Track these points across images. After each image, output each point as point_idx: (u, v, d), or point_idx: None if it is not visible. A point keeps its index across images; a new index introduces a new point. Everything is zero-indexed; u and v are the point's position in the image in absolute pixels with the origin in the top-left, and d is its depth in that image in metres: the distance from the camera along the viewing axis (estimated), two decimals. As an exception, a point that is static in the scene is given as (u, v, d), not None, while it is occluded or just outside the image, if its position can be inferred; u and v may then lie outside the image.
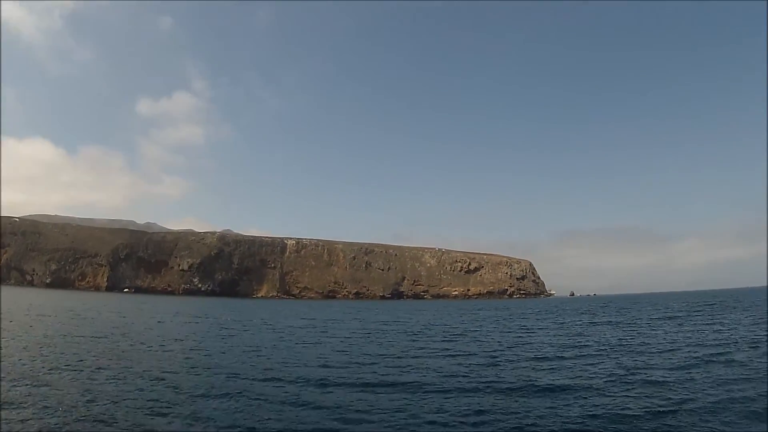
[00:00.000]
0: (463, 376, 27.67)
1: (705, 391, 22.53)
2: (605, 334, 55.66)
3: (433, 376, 27.63)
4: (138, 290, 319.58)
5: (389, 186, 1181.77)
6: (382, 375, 28.66)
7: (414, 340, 51.58)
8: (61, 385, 24.80)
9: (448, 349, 42.28)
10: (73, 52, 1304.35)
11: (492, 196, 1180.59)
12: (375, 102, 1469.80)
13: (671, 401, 20.91)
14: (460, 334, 58.96)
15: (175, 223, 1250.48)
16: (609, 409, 20.00)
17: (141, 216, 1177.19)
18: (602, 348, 41.71)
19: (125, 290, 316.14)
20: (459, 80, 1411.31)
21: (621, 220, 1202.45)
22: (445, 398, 22.28)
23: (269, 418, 19.55)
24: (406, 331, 64.91)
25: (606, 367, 30.77)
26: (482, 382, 25.68)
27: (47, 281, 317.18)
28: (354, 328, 71.20)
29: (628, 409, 20.05)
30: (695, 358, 33.56)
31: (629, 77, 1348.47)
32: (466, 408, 20.34)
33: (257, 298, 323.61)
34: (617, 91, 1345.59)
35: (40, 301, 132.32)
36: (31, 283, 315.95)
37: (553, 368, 30.85)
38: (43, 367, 30.03)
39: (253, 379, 27.49)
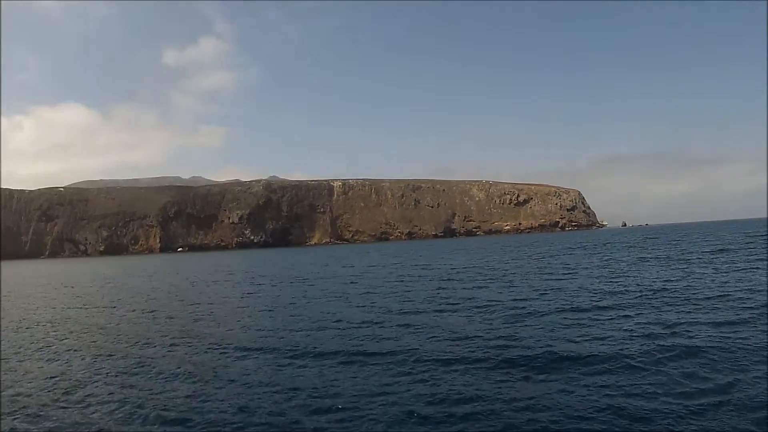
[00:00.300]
0: (476, 338, 23.06)
1: (756, 368, 17.27)
2: (650, 274, 49.82)
3: (441, 340, 22.80)
4: (192, 248, 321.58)
5: (430, 116, 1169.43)
6: (386, 338, 24.33)
7: (443, 288, 46.26)
8: (24, 369, 22.23)
9: (474, 299, 37.12)
10: (89, 9, 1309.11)
11: (533, 123, 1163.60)
12: (408, 23, 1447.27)
13: (712, 387, 15.65)
14: (494, 279, 53.41)
15: (220, 174, 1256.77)
16: (632, 399, 14.45)
17: (185, 171, 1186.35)
18: (644, 294, 35.97)
19: (179, 249, 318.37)
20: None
21: (666, 144, 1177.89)
22: (444, 374, 17.45)
23: (213, 408, 15.90)
24: (441, 276, 59.68)
25: (643, 322, 24.80)
26: (494, 347, 20.70)
27: (101, 249, 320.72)
28: (388, 275, 66.40)
29: (656, 397, 14.94)
30: (746, 308, 27.94)
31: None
32: (459, 392, 15.80)
33: (310, 246, 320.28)
34: (660, 10, 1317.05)
35: (82, 270, 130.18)
36: (85, 253, 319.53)
37: (581, 325, 25.09)
38: (32, 345, 27.85)
39: (235, 349, 23.76)
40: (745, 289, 35.89)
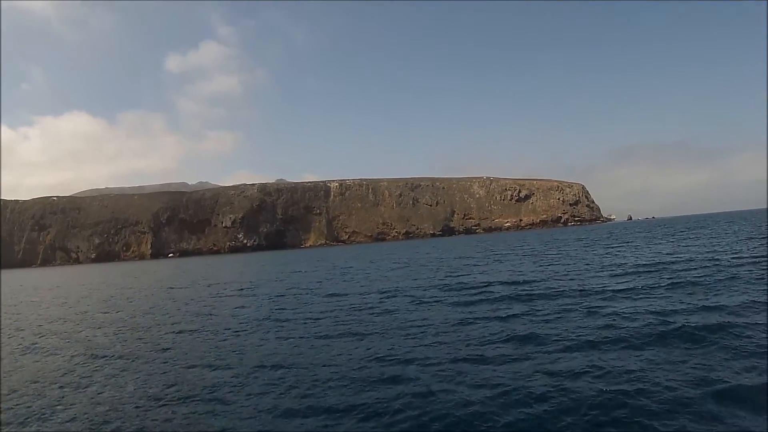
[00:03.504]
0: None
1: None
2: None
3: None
4: (184, 253, 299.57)
5: (436, 114, 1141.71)
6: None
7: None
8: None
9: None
10: (89, 19, 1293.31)
11: (543, 117, 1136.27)
12: (405, 24, 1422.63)
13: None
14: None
15: (228, 179, 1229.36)
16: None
17: (193, 176, 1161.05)
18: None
19: (170, 255, 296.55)
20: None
21: (672, 135, 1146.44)
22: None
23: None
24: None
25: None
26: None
27: (92, 256, 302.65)
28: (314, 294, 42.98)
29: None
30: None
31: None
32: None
33: (305, 248, 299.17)
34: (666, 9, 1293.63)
35: (54, 281, 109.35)
36: (77, 261, 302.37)
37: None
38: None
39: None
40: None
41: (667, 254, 48.68)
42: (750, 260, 35.34)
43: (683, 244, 61.82)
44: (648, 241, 78.00)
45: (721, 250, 48.25)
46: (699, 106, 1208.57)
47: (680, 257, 43.02)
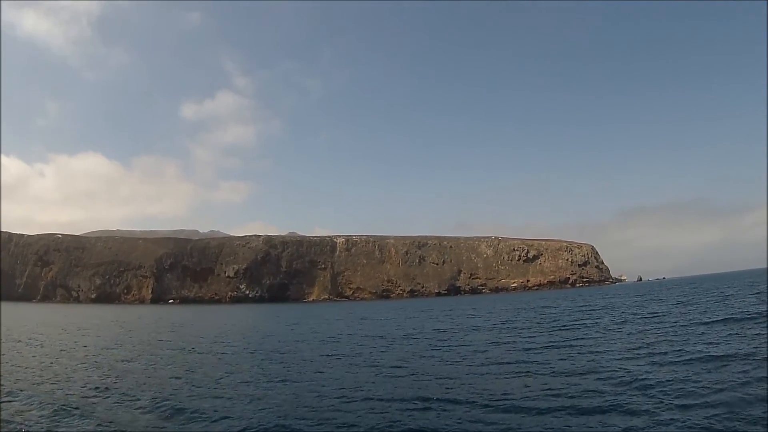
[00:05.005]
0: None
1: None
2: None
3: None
4: (184, 300, 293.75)
5: (449, 173, 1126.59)
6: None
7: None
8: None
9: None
10: (107, 58, 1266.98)
11: (552, 178, 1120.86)
12: (416, 79, 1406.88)
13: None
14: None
15: (239, 229, 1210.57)
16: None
17: (205, 225, 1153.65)
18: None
19: (170, 301, 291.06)
20: (508, 54, 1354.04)
21: (686, 194, 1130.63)
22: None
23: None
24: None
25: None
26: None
27: (92, 297, 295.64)
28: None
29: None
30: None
31: (692, 46, 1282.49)
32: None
33: (308, 302, 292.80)
34: (678, 59, 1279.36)
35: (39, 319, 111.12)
36: (77, 300, 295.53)
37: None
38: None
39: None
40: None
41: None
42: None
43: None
44: (617, 316, 70.14)
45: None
46: (717, 161, 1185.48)
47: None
